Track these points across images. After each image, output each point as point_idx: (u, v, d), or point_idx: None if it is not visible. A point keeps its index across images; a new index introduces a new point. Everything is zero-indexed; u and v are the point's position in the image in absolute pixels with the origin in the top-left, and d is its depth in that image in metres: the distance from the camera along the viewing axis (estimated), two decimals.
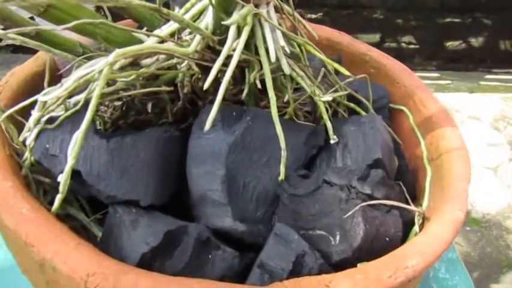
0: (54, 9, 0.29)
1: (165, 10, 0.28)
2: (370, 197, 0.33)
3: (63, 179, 0.30)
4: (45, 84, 0.35)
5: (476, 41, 1.90)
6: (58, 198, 0.31)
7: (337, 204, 0.33)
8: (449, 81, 1.90)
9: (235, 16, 0.29)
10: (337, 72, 0.43)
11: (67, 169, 0.30)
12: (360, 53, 0.51)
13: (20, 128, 0.37)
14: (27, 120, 0.36)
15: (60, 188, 0.31)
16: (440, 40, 1.92)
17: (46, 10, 0.29)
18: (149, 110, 0.38)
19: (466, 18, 1.90)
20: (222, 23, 0.29)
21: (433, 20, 1.96)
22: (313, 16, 1.99)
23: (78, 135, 0.29)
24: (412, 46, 1.93)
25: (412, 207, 0.35)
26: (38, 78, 0.40)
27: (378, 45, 1.97)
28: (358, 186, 0.33)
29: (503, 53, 2.03)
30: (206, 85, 0.30)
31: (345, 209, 0.33)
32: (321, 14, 1.99)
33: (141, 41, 0.34)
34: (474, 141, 1.54)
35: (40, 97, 0.31)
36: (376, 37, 1.95)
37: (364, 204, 0.32)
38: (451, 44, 1.89)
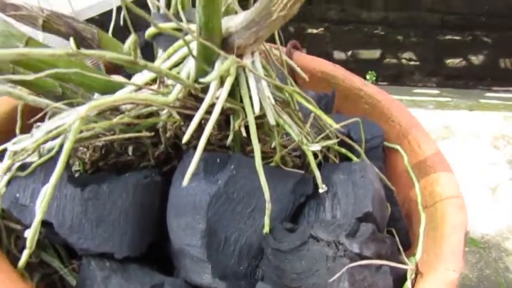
0: (29, 58, 0.27)
1: (142, 62, 0.26)
2: (359, 255, 0.31)
3: (30, 234, 0.28)
4: (17, 130, 0.33)
5: (476, 59, 1.90)
6: (25, 254, 0.29)
7: (324, 262, 0.31)
8: (449, 99, 1.89)
9: (216, 71, 0.27)
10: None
11: (35, 224, 0.28)
12: (355, 87, 0.49)
13: None
14: None
15: (28, 243, 0.29)
16: (440, 57, 1.91)
17: (21, 60, 0.27)
18: (130, 153, 0.36)
19: (466, 36, 1.89)
20: (202, 80, 0.28)
21: (433, 37, 1.95)
22: (314, 31, 1.98)
23: (47, 189, 0.27)
24: (412, 62, 1.92)
25: (403, 264, 0.33)
26: (14, 114, 0.39)
27: (379, 61, 1.96)
28: (347, 243, 0.31)
29: (503, 71, 2.02)
30: (185, 138, 0.28)
31: (331, 267, 0.31)
32: (322, 29, 1.98)
33: (120, 85, 0.33)
34: (473, 160, 1.52)
35: (10, 146, 0.29)
36: (377, 53, 1.95)
37: (352, 265, 0.30)
38: (451, 62, 1.88)
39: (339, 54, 2.00)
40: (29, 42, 0.27)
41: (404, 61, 1.98)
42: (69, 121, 0.26)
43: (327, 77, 0.52)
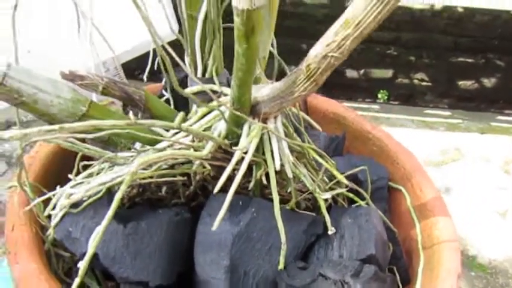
0: (87, 117, 0.33)
1: (184, 127, 0.31)
2: None
3: (82, 266, 0.34)
4: (73, 176, 0.39)
5: (488, 82, 1.91)
6: (76, 282, 0.34)
7: None
8: (460, 121, 1.90)
9: (246, 139, 0.32)
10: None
11: (87, 258, 0.33)
12: (364, 130, 0.54)
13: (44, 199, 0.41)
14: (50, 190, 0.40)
15: (80, 272, 0.34)
16: (452, 79, 1.93)
17: (84, 115, 0.33)
18: (163, 192, 0.41)
19: (478, 58, 1.91)
20: (235, 148, 0.33)
21: (446, 59, 1.98)
22: None
23: (99, 229, 0.33)
24: (424, 83, 1.95)
25: None
26: (66, 151, 0.44)
27: (391, 80, 1.99)
28: (351, 283, 0.36)
29: None
30: (217, 188, 0.34)
31: None
32: None
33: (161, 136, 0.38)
34: (483, 184, 1.54)
35: (68, 189, 0.35)
36: (389, 73, 1.98)
37: None
38: (463, 83, 1.91)
39: (351, 73, 2.04)
40: (91, 105, 0.33)
41: (416, 81, 2.01)
42: (123, 177, 0.32)
43: (338, 118, 0.57)
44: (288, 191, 0.40)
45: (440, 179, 1.47)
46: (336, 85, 1.94)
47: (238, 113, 0.32)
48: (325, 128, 0.55)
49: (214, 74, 0.38)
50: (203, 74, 0.38)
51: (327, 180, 0.43)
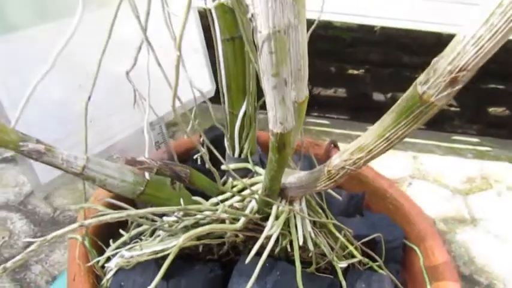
0: (144, 195, 0.40)
1: (221, 208, 0.38)
2: None
3: None
4: (128, 238, 0.46)
5: None
6: None
7: None
8: (489, 148, 1.87)
9: (275, 225, 0.38)
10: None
11: None
12: (382, 189, 0.58)
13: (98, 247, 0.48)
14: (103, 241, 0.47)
15: None
16: (482, 105, 1.91)
17: (142, 193, 0.40)
18: (200, 250, 0.47)
19: (509, 85, 1.88)
20: (266, 231, 0.38)
21: (475, 85, 1.96)
22: (355, 72, 2.05)
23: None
24: (452, 108, 1.93)
25: None
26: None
27: None
28: None
29: None
30: (249, 257, 0.39)
31: None
32: (363, 70, 2.05)
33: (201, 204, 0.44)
34: (511, 216, 1.51)
35: (125, 253, 0.42)
36: None
37: None
38: (493, 110, 1.88)
39: (377, 96, 2.05)
40: (147, 184, 0.40)
41: (444, 106, 1.99)
42: (171, 246, 0.38)
43: (359, 175, 0.61)
44: (309, 255, 0.46)
45: (467, 208, 1.46)
46: (362, 108, 1.96)
47: (268, 199, 0.38)
48: (346, 185, 0.60)
49: (249, 155, 0.44)
50: (239, 155, 0.45)
51: (345, 242, 0.48)
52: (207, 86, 0.65)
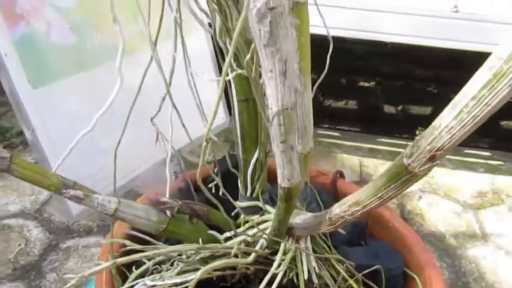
0: (166, 232, 0.45)
1: (236, 247, 0.43)
2: None
3: None
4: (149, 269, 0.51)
5: None
6: None
7: None
8: (501, 162, 1.86)
9: (283, 263, 0.43)
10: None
11: None
12: (385, 219, 0.62)
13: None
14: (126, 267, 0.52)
15: None
16: (494, 118, 1.89)
17: (164, 230, 0.45)
18: (214, 278, 0.52)
19: None
20: (274, 271, 0.43)
21: None
22: (366, 84, 2.07)
23: None
24: None
25: None
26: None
27: (429, 118, 1.98)
28: None
29: None
30: None
31: None
32: (374, 82, 2.07)
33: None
34: None
35: (147, 281, 0.47)
36: (428, 110, 1.99)
37: None
38: (505, 124, 1.87)
39: (388, 108, 2.06)
40: (169, 222, 0.45)
41: None
42: (190, 280, 0.43)
43: None
44: (314, 286, 0.50)
45: (478, 223, 1.47)
46: (373, 120, 1.98)
47: (276, 239, 0.43)
48: None
49: (259, 194, 0.49)
50: (251, 194, 0.50)
51: (346, 276, 0.52)
52: (221, 118, 0.70)
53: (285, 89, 0.31)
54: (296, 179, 0.35)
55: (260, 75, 0.38)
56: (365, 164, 1.76)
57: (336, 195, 0.66)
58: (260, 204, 0.49)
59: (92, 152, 0.56)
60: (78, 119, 0.54)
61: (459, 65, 1.90)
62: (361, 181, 1.65)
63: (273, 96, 0.31)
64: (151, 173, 0.62)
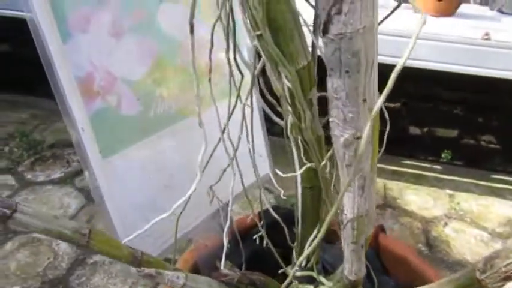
0: None
1: None
2: None
3: None
4: None
5: None
6: None
7: None
8: None
9: None
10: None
11: None
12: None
13: None
14: None
15: None
16: None
17: None
18: None
19: None
20: None
21: None
22: (392, 105, 2.06)
23: None
24: (492, 145, 1.91)
25: None
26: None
27: (456, 141, 1.97)
28: None
29: None
30: None
31: None
32: (399, 104, 2.06)
33: None
34: None
35: None
36: (454, 133, 1.97)
37: None
38: None
39: (414, 130, 2.05)
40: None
41: (483, 143, 1.97)
42: None
43: (407, 261, 0.66)
44: None
45: None
46: (398, 141, 1.98)
47: None
48: (393, 269, 0.66)
49: (314, 265, 0.51)
50: (305, 265, 0.52)
51: None
52: (265, 171, 0.72)
53: (361, 200, 0.33)
54: (362, 272, 0.37)
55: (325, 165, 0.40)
56: (389, 186, 1.76)
57: (377, 250, 0.68)
58: (314, 274, 0.51)
59: (150, 209, 0.59)
60: (141, 184, 0.57)
61: (486, 89, 1.88)
62: (385, 204, 1.65)
63: (349, 205, 0.33)
64: (202, 226, 0.65)
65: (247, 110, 0.44)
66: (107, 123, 0.51)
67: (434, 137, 2.04)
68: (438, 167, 1.87)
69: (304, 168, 0.39)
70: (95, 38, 0.50)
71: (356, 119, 0.28)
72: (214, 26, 0.37)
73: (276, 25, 0.35)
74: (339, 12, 0.25)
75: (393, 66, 0.28)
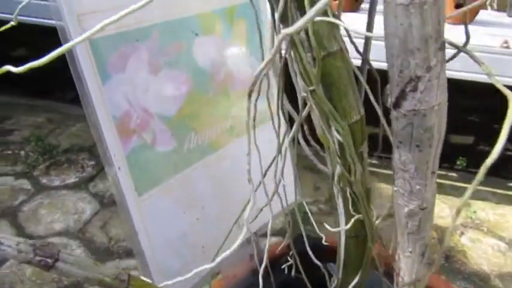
0: None
1: None
2: None
3: None
4: None
5: None
6: None
7: None
8: None
9: None
10: None
11: None
12: None
13: None
14: None
15: None
16: None
17: None
18: None
19: None
20: None
21: None
22: None
23: None
24: (509, 153, 1.89)
25: None
26: None
27: (471, 148, 1.95)
28: None
29: None
30: None
31: None
32: None
33: None
34: None
35: None
36: (469, 139, 1.96)
37: None
38: None
39: None
40: None
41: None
42: None
43: None
44: None
45: None
46: None
47: None
48: None
49: None
50: None
51: None
52: (292, 198, 0.71)
53: (420, 266, 0.32)
54: None
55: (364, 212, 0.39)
56: None
57: None
58: None
59: (182, 243, 0.59)
60: (174, 219, 0.57)
61: (503, 96, 1.85)
62: None
63: (408, 269, 0.33)
64: (230, 256, 0.64)
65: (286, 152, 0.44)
66: (143, 160, 0.51)
67: (449, 143, 2.03)
68: (453, 174, 1.85)
69: (353, 220, 0.39)
70: (132, 76, 0.49)
71: (423, 191, 0.28)
72: (261, 71, 0.36)
73: (329, 80, 0.34)
74: (414, 90, 0.24)
75: None
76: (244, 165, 0.50)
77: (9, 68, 0.33)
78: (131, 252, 1.27)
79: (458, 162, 1.95)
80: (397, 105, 0.26)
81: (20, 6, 0.41)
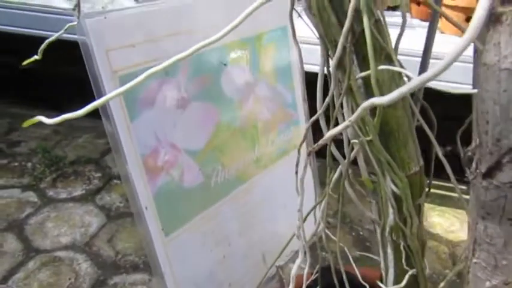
0: None
1: None
2: None
3: None
4: None
5: None
6: None
7: None
8: None
9: None
10: None
11: None
12: None
13: None
14: None
15: None
16: None
17: None
18: None
19: None
20: None
21: None
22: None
23: None
24: None
25: None
26: None
27: None
28: None
29: None
30: None
31: None
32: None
33: None
34: None
35: None
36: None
37: None
38: None
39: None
40: None
41: None
42: None
43: None
44: None
45: None
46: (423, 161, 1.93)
47: None
48: None
49: None
50: None
51: None
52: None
53: None
54: None
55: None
56: None
57: None
58: None
59: (208, 282, 0.56)
60: (201, 258, 0.54)
61: None
62: None
63: None
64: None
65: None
66: (170, 199, 0.48)
67: (459, 156, 2.00)
68: (463, 187, 1.82)
69: (408, 275, 0.36)
70: (161, 111, 0.46)
71: (510, 266, 0.25)
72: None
73: (388, 129, 0.32)
74: None
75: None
76: (271, 196, 0.47)
77: (41, 118, 0.30)
78: (138, 266, 1.25)
79: (466, 174, 1.92)
80: (488, 175, 0.23)
81: (46, 42, 0.38)
